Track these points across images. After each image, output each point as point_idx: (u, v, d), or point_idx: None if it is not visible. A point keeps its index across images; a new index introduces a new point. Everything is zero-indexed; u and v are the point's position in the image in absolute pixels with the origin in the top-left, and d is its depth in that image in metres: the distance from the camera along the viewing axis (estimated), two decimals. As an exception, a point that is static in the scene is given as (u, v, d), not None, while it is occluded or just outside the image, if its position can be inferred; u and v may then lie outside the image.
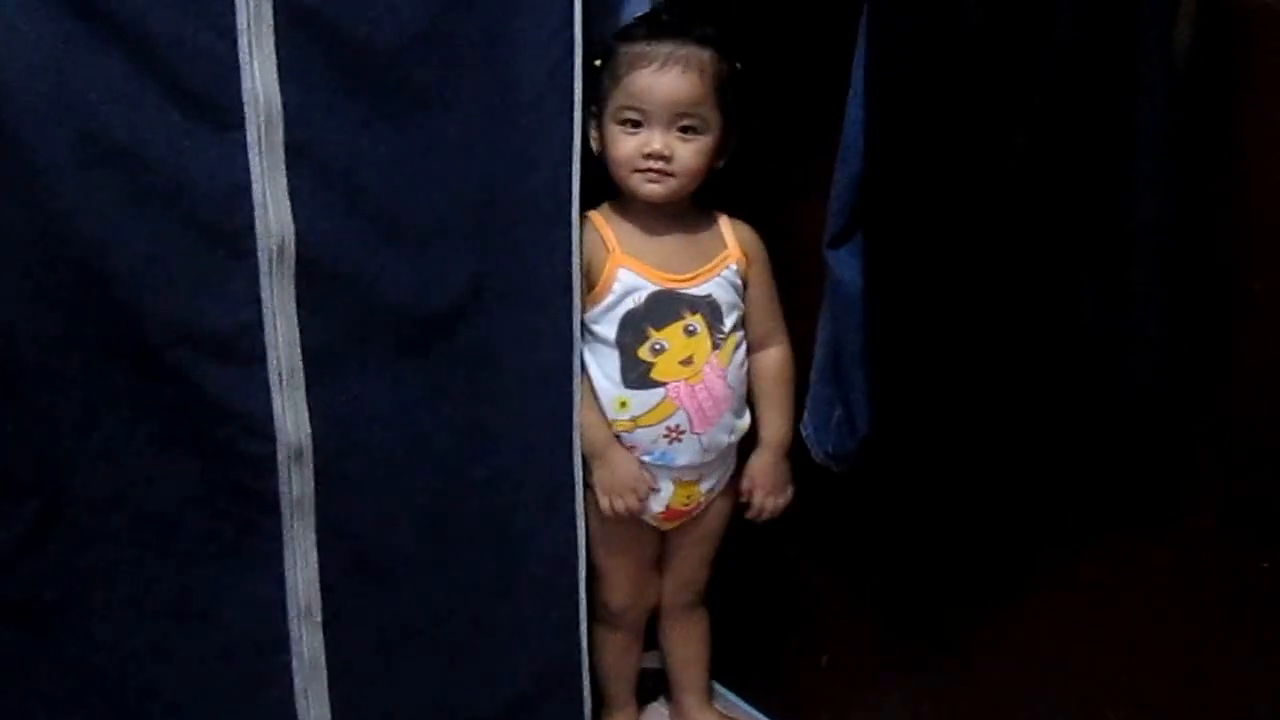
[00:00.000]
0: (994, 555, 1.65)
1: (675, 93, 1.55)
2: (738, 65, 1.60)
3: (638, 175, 1.58)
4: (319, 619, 1.53)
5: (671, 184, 1.58)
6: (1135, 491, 1.55)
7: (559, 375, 1.63)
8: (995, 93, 1.41)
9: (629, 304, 1.60)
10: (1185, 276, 1.41)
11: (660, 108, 1.55)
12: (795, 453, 1.71)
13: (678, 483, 1.69)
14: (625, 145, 1.58)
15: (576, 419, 1.65)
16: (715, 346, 1.63)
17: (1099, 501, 1.56)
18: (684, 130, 1.57)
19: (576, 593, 1.72)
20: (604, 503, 1.65)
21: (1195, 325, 1.42)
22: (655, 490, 1.66)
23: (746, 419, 1.72)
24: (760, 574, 1.95)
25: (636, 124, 1.57)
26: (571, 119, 1.54)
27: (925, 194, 1.47)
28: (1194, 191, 1.39)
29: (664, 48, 1.54)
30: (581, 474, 1.68)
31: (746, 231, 1.69)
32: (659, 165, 1.57)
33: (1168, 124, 1.35)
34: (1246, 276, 1.39)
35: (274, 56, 1.35)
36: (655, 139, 1.56)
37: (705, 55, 1.56)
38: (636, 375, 1.61)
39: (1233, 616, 1.46)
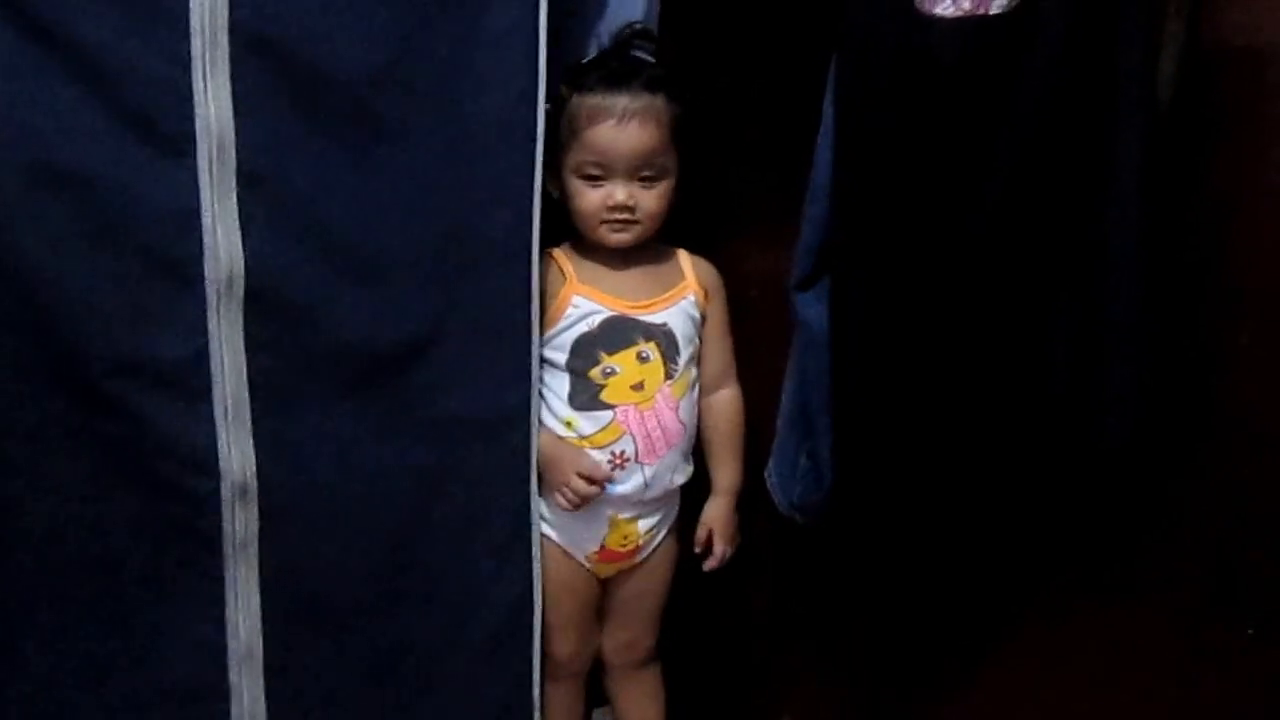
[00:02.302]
0: (962, 613, 1.62)
1: (637, 147, 1.56)
2: (685, 98, 1.61)
3: (604, 226, 1.60)
4: (260, 665, 1.47)
5: (637, 230, 1.61)
6: (1110, 552, 1.52)
7: (516, 416, 1.59)
8: (968, 135, 1.40)
9: (582, 328, 1.60)
10: (1163, 327, 1.39)
11: (621, 162, 1.57)
12: (759, 500, 1.67)
13: (613, 520, 1.66)
14: (589, 199, 1.59)
15: (533, 461, 1.61)
16: (668, 377, 1.63)
17: (1071, 561, 1.53)
18: (644, 180, 1.58)
19: (531, 642, 1.67)
20: (557, 498, 1.61)
21: (1174, 377, 1.40)
22: (609, 479, 1.61)
23: (691, 467, 1.70)
24: (720, 626, 1.91)
25: (597, 177, 1.58)
26: (534, 157, 1.52)
27: (894, 237, 1.45)
28: (1174, 237, 1.37)
29: (620, 99, 1.56)
30: (539, 517, 1.64)
31: (705, 267, 1.70)
32: (624, 216, 1.59)
33: (1146, 166, 1.34)
34: (1235, 330, 1.37)
35: (228, 84, 1.33)
36: (618, 191, 1.58)
37: (659, 103, 1.57)
38: (586, 397, 1.60)
39: (1210, 686, 1.43)
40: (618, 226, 1.59)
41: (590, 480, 1.58)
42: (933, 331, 1.47)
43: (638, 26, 1.62)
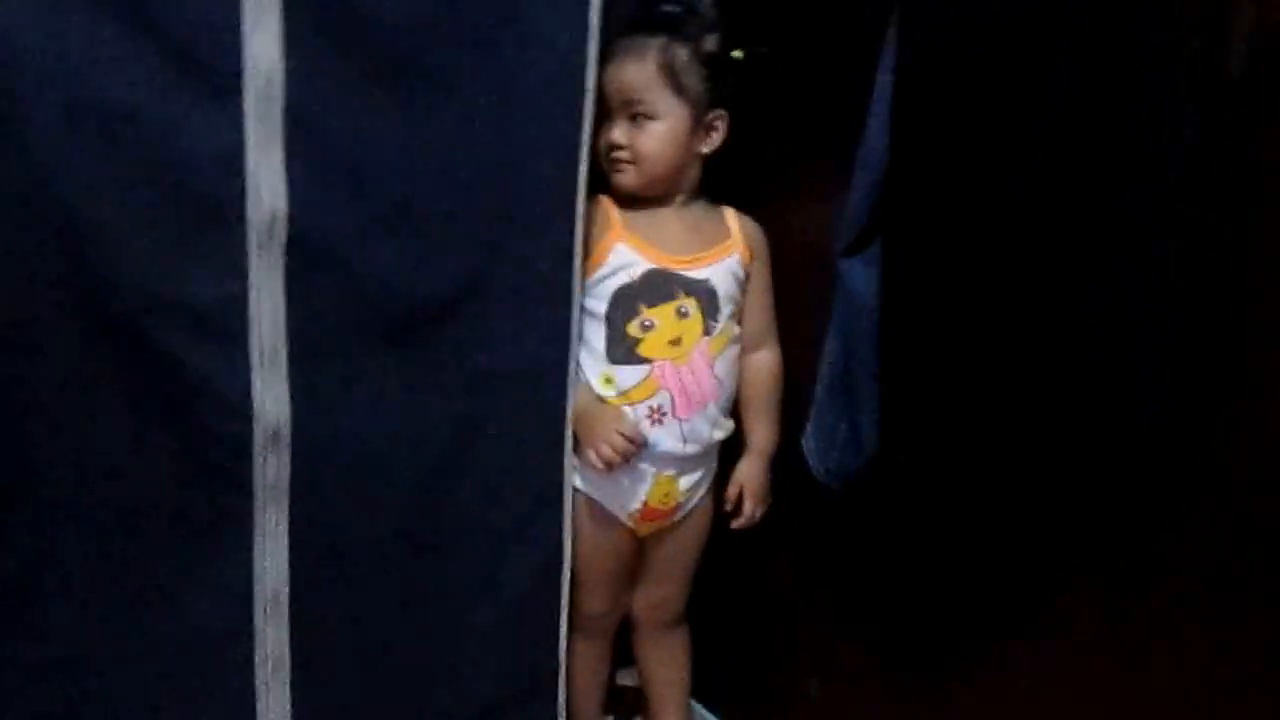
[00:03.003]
0: (992, 586, 1.60)
1: (620, 82, 1.59)
2: (714, 50, 1.62)
3: (609, 167, 1.62)
4: (286, 611, 1.47)
5: (634, 172, 1.62)
6: (1142, 538, 1.50)
7: (553, 372, 1.58)
8: (1028, 101, 1.37)
9: (623, 278, 1.60)
10: (1199, 312, 1.37)
11: (615, 100, 1.60)
12: (790, 465, 1.65)
13: (656, 477, 1.65)
14: (599, 142, 1.61)
15: (569, 418, 1.60)
16: (706, 333, 1.62)
17: (1101, 543, 1.51)
18: (634, 118, 1.60)
19: (559, 599, 1.66)
20: (591, 456, 1.60)
21: (1211, 370, 1.38)
22: (643, 443, 1.60)
23: (731, 423, 1.70)
24: (748, 590, 1.91)
25: (604, 120, 1.61)
26: (581, 112, 1.51)
27: (950, 204, 1.42)
28: (1225, 223, 1.34)
29: (625, 41, 1.58)
30: (572, 472, 1.64)
31: (752, 226, 1.70)
32: (620, 154, 1.61)
33: (1198, 145, 1.31)
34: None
35: (279, 24, 1.31)
36: (613, 130, 1.61)
37: (652, 42, 1.59)
38: (623, 350, 1.60)
39: (1219, 675, 1.41)
40: (618, 166, 1.62)
41: (630, 440, 1.57)
42: (980, 302, 1.44)
43: None
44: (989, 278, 1.43)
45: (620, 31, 1.56)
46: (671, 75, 1.59)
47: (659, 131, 1.60)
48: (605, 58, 1.55)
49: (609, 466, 1.59)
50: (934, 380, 1.47)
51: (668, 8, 1.61)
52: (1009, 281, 1.42)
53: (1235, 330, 1.37)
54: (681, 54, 1.59)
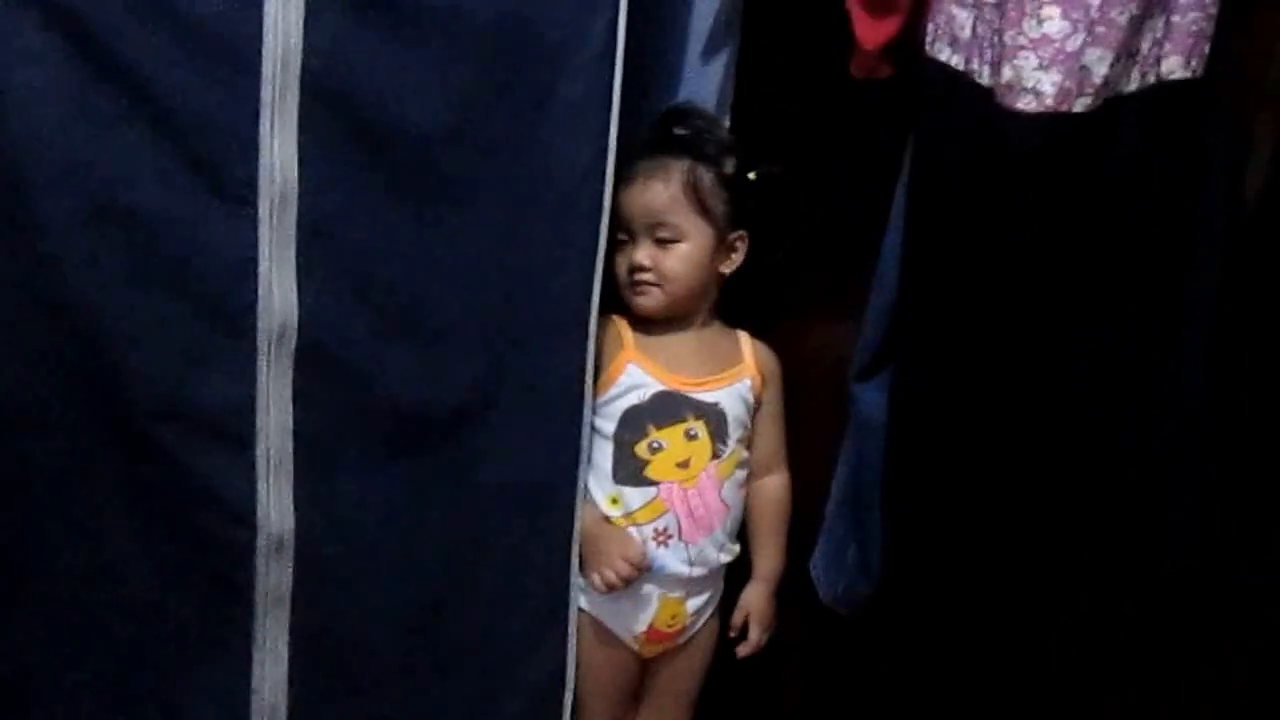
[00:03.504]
0: (1002, 711, 1.57)
1: (645, 204, 1.59)
2: (734, 172, 1.62)
3: (629, 291, 1.61)
4: (284, 724, 1.45)
5: (658, 294, 1.61)
6: (1163, 661, 1.47)
7: (561, 490, 1.56)
8: (1042, 230, 1.37)
9: (633, 399, 1.59)
10: (1229, 440, 1.35)
11: (639, 221, 1.59)
12: (797, 587, 1.63)
13: (663, 599, 1.62)
14: (619, 264, 1.61)
15: (576, 534, 1.58)
16: (715, 456, 1.60)
17: (1107, 676, 1.48)
18: (660, 241, 1.59)
19: (561, 718, 1.63)
20: (596, 579, 1.57)
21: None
22: (647, 568, 1.58)
23: (738, 547, 1.67)
24: (753, 713, 1.86)
25: (625, 242, 1.60)
26: (598, 229, 1.51)
27: (963, 330, 1.42)
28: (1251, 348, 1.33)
29: (643, 164, 1.59)
30: (578, 592, 1.61)
31: (766, 352, 1.69)
32: (643, 277, 1.60)
33: (1224, 272, 1.31)
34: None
35: (295, 135, 1.32)
36: (637, 252, 1.60)
37: (677, 164, 1.59)
38: (629, 471, 1.58)
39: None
40: (640, 289, 1.60)
41: (633, 565, 1.55)
42: (997, 430, 1.43)
43: (681, 105, 1.64)
44: (1004, 405, 1.42)
45: (635, 153, 1.57)
46: (697, 196, 1.59)
47: (684, 253, 1.60)
48: (626, 179, 1.55)
49: (610, 589, 1.57)
50: (943, 508, 1.46)
51: (684, 130, 1.62)
52: (1028, 410, 1.41)
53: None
54: (706, 176, 1.60)
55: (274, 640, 1.42)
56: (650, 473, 1.58)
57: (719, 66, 1.65)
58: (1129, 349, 1.38)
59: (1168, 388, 1.36)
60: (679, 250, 1.59)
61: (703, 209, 1.59)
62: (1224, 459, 1.35)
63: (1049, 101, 1.32)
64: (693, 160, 1.59)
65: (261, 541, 1.39)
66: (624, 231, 1.59)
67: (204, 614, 1.40)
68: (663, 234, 1.59)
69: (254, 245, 1.32)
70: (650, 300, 1.60)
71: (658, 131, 1.62)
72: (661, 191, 1.58)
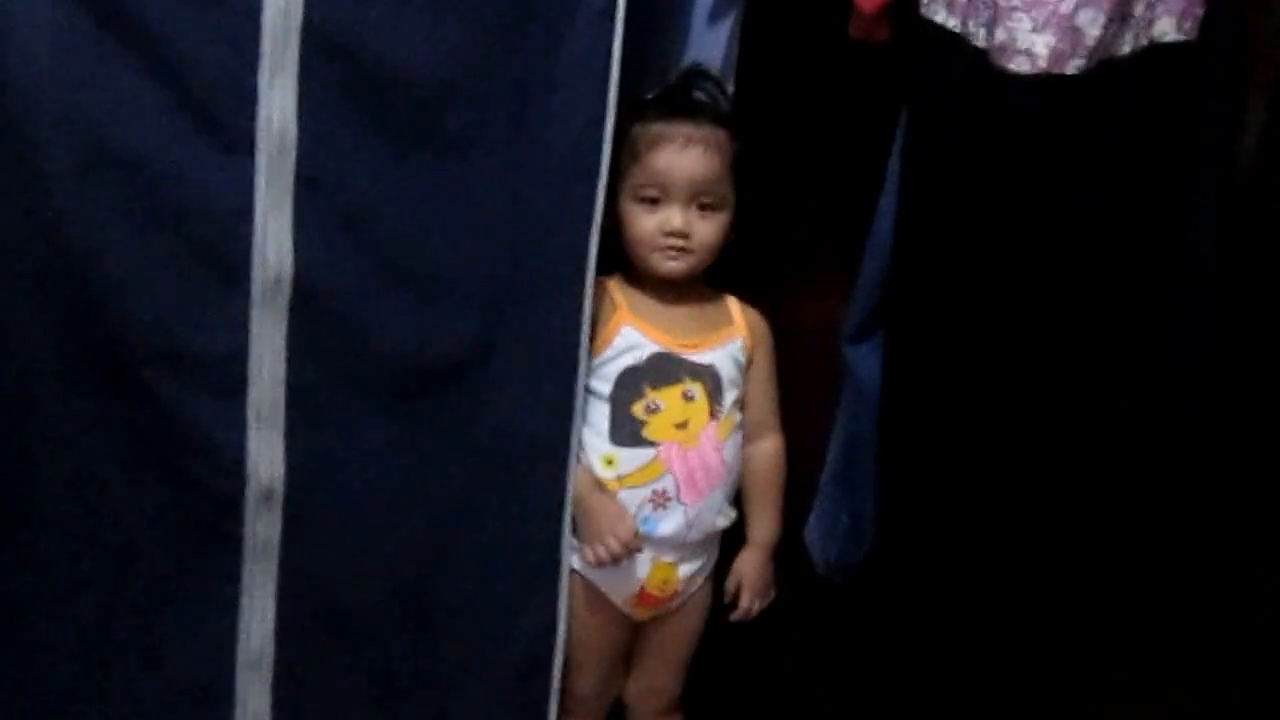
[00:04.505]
0: (995, 680, 1.56)
1: (696, 172, 1.56)
2: (744, 139, 1.61)
3: (658, 253, 1.59)
4: (269, 673, 1.45)
5: (690, 259, 1.59)
6: (1156, 640, 1.47)
7: (555, 448, 1.55)
8: (1037, 192, 1.37)
9: (629, 360, 1.58)
10: (1226, 412, 1.35)
11: (681, 186, 1.57)
12: (791, 555, 1.63)
13: (656, 563, 1.62)
14: (645, 223, 1.58)
15: (568, 495, 1.57)
16: (713, 417, 1.60)
17: (1100, 646, 1.48)
18: (702, 208, 1.58)
19: (550, 678, 1.62)
20: (587, 552, 1.58)
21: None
22: (638, 549, 1.58)
23: (734, 511, 1.66)
24: (745, 680, 1.87)
25: (655, 201, 1.58)
26: (596, 186, 1.50)
27: (955, 293, 1.42)
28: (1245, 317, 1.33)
29: (685, 127, 1.57)
30: (569, 553, 1.60)
31: (755, 316, 1.68)
32: (679, 242, 1.58)
33: (1219, 236, 1.31)
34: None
35: (295, 85, 1.33)
36: (675, 217, 1.57)
37: (722, 135, 1.58)
38: (626, 432, 1.58)
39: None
40: (672, 254, 1.59)
41: (624, 544, 1.55)
42: (990, 395, 1.43)
43: (701, 67, 1.63)
44: (997, 371, 1.42)
45: (653, 113, 1.57)
46: (735, 167, 1.59)
47: (722, 222, 1.59)
48: (654, 138, 1.55)
49: (601, 565, 1.57)
50: (935, 473, 1.46)
51: (705, 95, 1.61)
52: (1018, 376, 1.41)
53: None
54: (739, 148, 1.60)
55: (262, 589, 1.43)
56: (648, 433, 1.58)
57: (725, 29, 1.65)
58: (1124, 314, 1.38)
59: (1162, 351, 1.36)
60: (718, 219, 1.59)
61: (735, 180, 1.60)
62: (1220, 419, 1.35)
63: (1042, 63, 1.32)
64: (727, 130, 1.59)
65: (251, 491, 1.39)
66: (655, 189, 1.57)
67: (192, 561, 1.41)
68: (706, 200, 1.57)
69: (250, 194, 1.33)
70: (680, 265, 1.59)
71: (677, 92, 1.62)
72: (709, 159, 1.57)
